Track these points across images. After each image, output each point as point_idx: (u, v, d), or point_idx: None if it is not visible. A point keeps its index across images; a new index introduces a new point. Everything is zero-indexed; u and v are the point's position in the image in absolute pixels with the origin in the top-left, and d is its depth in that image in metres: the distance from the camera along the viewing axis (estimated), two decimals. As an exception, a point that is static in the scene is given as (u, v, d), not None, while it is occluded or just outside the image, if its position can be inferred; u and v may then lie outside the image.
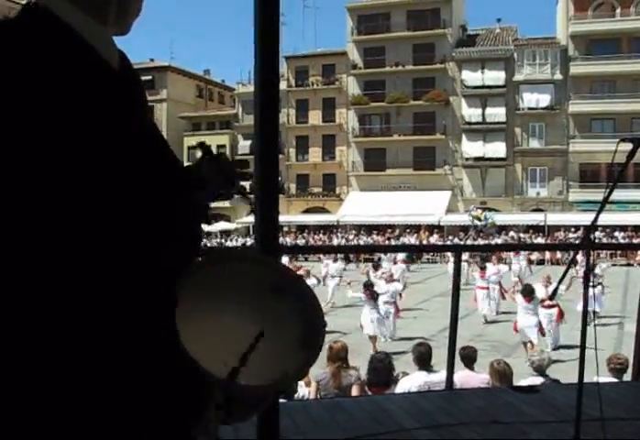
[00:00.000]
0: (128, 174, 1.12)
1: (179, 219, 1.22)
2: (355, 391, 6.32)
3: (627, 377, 5.98)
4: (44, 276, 1.03)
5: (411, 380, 6.41)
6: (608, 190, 2.84)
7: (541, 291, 13.63)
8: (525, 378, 7.25)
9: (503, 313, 18.09)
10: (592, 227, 3.04)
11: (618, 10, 46.00)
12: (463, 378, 6.48)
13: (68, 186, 1.03)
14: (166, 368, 1.14)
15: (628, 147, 2.86)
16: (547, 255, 35.35)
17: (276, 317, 1.20)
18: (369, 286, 14.71)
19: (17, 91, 1.01)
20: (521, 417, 3.96)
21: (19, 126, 1.00)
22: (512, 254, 27.04)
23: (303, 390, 6.62)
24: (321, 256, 23.65)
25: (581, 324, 3.42)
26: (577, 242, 35.65)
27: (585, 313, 3.32)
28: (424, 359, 6.71)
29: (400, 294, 16.84)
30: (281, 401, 4.13)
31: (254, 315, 1.19)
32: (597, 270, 16.73)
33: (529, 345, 12.87)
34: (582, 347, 3.29)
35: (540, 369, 7.18)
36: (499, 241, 38.35)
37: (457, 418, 3.99)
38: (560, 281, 3.37)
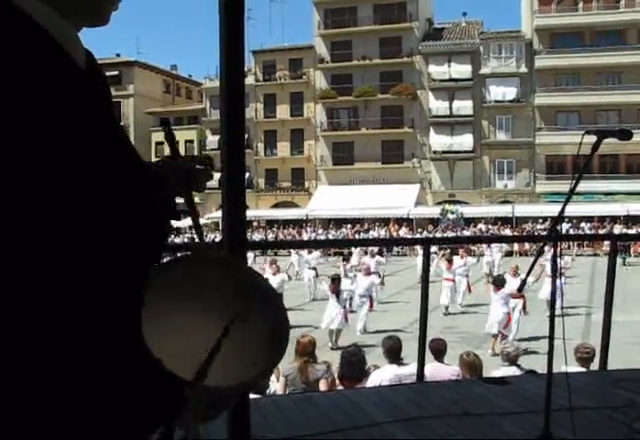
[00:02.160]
0: (93, 173, 1.10)
1: (143, 216, 1.20)
2: (323, 386, 6.31)
3: (594, 366, 6.06)
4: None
5: (381, 374, 6.42)
6: (574, 181, 2.85)
7: (510, 282, 13.79)
8: (497, 369, 7.31)
9: (472, 305, 18.27)
10: (559, 219, 3.06)
11: (580, 4, 46.57)
12: (433, 370, 6.51)
13: (29, 184, 1.01)
14: (132, 369, 1.13)
15: (593, 139, 2.88)
16: (516, 246, 35.75)
17: (241, 318, 1.19)
18: (335, 280, 14.69)
19: None
20: (492, 409, 3.98)
21: None
22: (485, 246, 27.35)
23: (273, 386, 6.61)
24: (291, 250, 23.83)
25: (549, 315, 3.44)
26: (544, 233, 36.12)
27: (553, 303, 3.34)
28: (394, 352, 6.73)
29: (381, 284, 17.00)
30: (252, 396, 4.10)
31: (219, 317, 1.18)
32: (562, 263, 17.03)
33: (499, 335, 12.98)
34: (551, 338, 3.31)
35: (509, 359, 7.24)
36: (467, 233, 38.75)
37: (429, 410, 4.00)
38: (528, 273, 3.39)
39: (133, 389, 1.14)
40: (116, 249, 1.12)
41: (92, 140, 1.11)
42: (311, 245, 20.88)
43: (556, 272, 3.13)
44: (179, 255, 1.28)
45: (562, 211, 2.93)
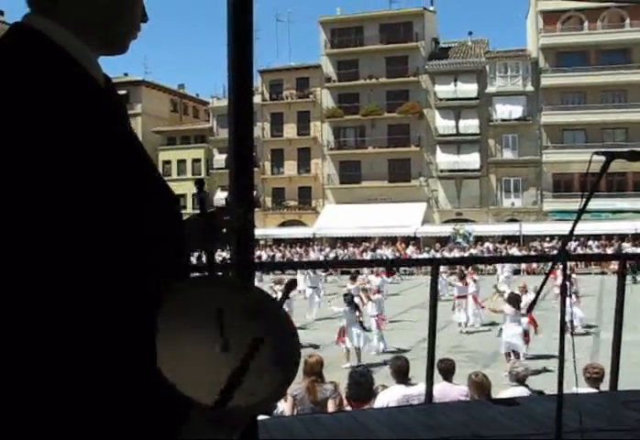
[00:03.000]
0: (115, 185, 1.13)
1: (165, 234, 1.21)
2: (331, 406, 6.27)
3: (604, 386, 6.00)
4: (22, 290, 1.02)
5: (389, 394, 6.38)
6: (583, 201, 2.84)
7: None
8: (505, 388, 7.25)
9: (482, 324, 18.17)
10: (568, 239, 3.04)
11: (586, 23, 46.77)
12: (442, 390, 6.46)
13: (57, 196, 1.04)
14: (144, 391, 1.13)
15: (602, 158, 2.87)
16: (523, 265, 35.60)
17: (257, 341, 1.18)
18: (349, 298, 14.73)
19: (11, 109, 1.04)
20: (501, 431, 3.93)
21: (10, 139, 1.02)
22: (498, 265, 27.31)
23: (281, 406, 6.56)
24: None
25: (559, 335, 3.41)
26: (553, 252, 35.97)
27: (562, 323, 3.30)
28: (401, 373, 6.69)
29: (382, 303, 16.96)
30: (259, 417, 4.07)
31: (233, 341, 1.18)
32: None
33: (512, 355, 12.87)
34: (561, 359, 3.27)
35: (518, 379, 7.18)
36: (474, 252, 38.66)
37: (437, 433, 3.96)
38: (538, 293, 3.36)
39: (140, 410, 1.13)
40: (136, 263, 1.14)
41: (113, 154, 1.15)
42: (319, 265, 20.84)
43: (565, 292, 3.11)
44: (191, 277, 1.28)
45: (572, 231, 2.92)
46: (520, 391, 6.59)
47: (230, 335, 1.18)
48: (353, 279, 19.86)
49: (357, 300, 16.18)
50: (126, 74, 59.69)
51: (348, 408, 6.07)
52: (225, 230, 1.46)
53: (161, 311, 1.13)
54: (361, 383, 6.03)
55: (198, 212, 1.46)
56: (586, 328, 16.26)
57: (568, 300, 3.30)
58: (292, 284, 1.35)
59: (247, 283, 1.43)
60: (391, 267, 20.02)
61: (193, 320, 1.18)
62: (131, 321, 1.12)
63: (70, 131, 1.07)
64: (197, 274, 1.44)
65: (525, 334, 13.29)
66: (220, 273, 1.46)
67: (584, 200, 2.79)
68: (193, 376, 1.11)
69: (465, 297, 18.05)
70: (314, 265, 21.48)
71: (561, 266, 3.17)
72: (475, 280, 19.06)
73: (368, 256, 39.57)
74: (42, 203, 1.03)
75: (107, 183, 1.10)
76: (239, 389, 1.10)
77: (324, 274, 25.03)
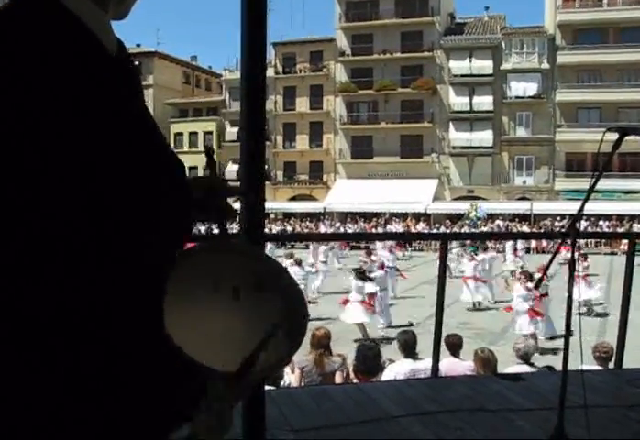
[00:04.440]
0: (123, 161, 1.11)
1: (169, 207, 1.21)
2: (338, 378, 6.35)
3: (612, 365, 6.04)
4: (29, 265, 1.01)
5: (396, 368, 6.44)
6: (594, 179, 2.85)
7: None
8: (511, 365, 7.30)
9: (491, 302, 18.23)
10: (578, 216, 3.05)
11: (605, 0, 46.04)
12: (448, 365, 6.52)
13: (65, 172, 1.03)
14: (155, 361, 1.14)
15: (614, 136, 2.87)
16: (533, 243, 35.55)
17: (260, 308, 1.20)
18: (361, 273, 14.79)
19: (16, 77, 1.00)
20: (506, 404, 3.98)
21: (17, 112, 0.99)
22: (508, 244, 27.26)
23: (288, 378, 6.64)
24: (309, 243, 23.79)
25: (566, 313, 3.44)
26: (562, 231, 35.85)
27: (570, 301, 3.33)
28: (409, 347, 6.75)
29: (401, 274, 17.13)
30: (266, 388, 4.13)
31: (239, 308, 1.19)
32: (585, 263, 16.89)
33: (522, 333, 12.90)
34: (567, 335, 3.30)
35: (524, 357, 7.22)
36: (485, 229, 38.60)
37: (443, 405, 4.01)
38: (545, 271, 3.38)
39: (154, 382, 1.15)
40: (142, 239, 1.13)
41: (122, 127, 1.13)
42: (328, 238, 20.87)
43: (573, 270, 3.13)
44: (200, 243, 1.29)
45: (581, 209, 2.93)
46: (524, 369, 6.63)
47: (242, 298, 1.20)
48: (369, 254, 19.92)
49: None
50: (138, 45, 59.39)
51: (355, 381, 6.14)
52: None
53: (171, 276, 1.14)
54: (369, 357, 6.09)
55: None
56: (596, 307, 16.28)
57: (580, 280, 3.32)
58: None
59: (259, 251, 1.44)
60: (400, 241, 19.97)
61: (203, 285, 1.19)
62: (141, 287, 1.12)
63: (69, 100, 1.04)
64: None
65: (537, 313, 13.29)
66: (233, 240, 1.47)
67: (596, 176, 2.79)
68: (206, 343, 1.12)
69: (473, 277, 18.07)
70: (324, 237, 21.50)
71: (570, 243, 3.19)
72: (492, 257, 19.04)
73: (378, 231, 39.61)
74: (46, 173, 1.01)
75: (112, 154, 1.08)
76: (245, 353, 1.12)
77: (337, 249, 25.11)
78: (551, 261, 3.24)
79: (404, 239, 21.98)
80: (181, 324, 1.11)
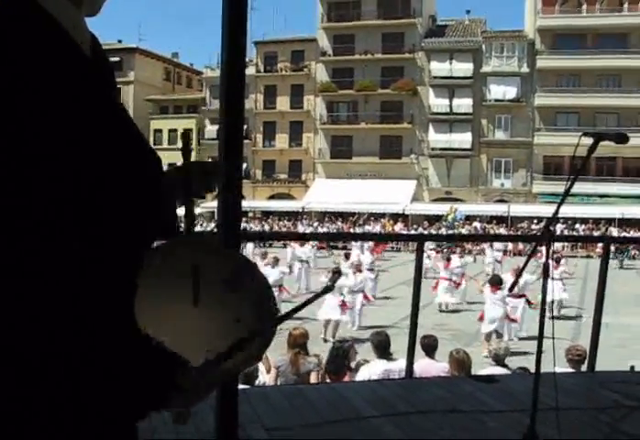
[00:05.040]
0: (95, 158, 1.10)
1: (144, 202, 1.21)
2: (314, 378, 6.34)
3: (585, 368, 6.08)
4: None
5: (371, 368, 6.45)
6: (569, 182, 2.87)
7: (510, 282, 13.83)
8: (485, 367, 7.34)
9: (466, 303, 18.32)
10: (553, 219, 3.07)
11: (584, 6, 46.55)
12: (423, 366, 6.54)
13: (39, 169, 1.02)
14: (123, 354, 1.13)
15: (590, 141, 2.90)
16: (510, 246, 35.79)
17: (231, 306, 1.20)
18: (335, 273, 14.75)
19: None
20: (479, 406, 4.00)
21: None
22: (486, 245, 27.41)
23: (264, 377, 6.62)
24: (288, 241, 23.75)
25: (539, 315, 3.46)
26: (538, 233, 36.17)
27: (544, 303, 3.36)
28: (382, 348, 6.77)
29: (376, 278, 17.22)
30: (240, 387, 4.12)
31: (210, 304, 1.19)
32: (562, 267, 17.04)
33: (494, 335, 12.97)
34: (540, 337, 3.32)
35: (497, 359, 7.27)
36: (463, 231, 38.84)
37: (416, 406, 4.02)
38: (520, 273, 3.40)
39: (124, 373, 1.14)
40: (116, 234, 1.13)
41: (95, 124, 1.12)
42: (306, 238, 20.87)
43: (547, 273, 3.15)
44: (172, 239, 1.29)
45: (556, 212, 2.94)
46: (499, 372, 6.67)
47: (205, 293, 1.20)
48: (347, 256, 19.98)
49: (344, 276, 16.30)
50: (119, 41, 59.01)
51: (329, 381, 6.14)
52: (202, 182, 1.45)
53: (141, 271, 1.14)
54: (339, 357, 6.10)
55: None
56: (565, 309, 16.44)
57: (550, 281, 3.34)
58: (338, 272, 1.37)
59: (231, 248, 1.44)
60: (377, 241, 20.01)
61: (172, 280, 1.19)
62: (112, 280, 1.12)
63: (40, 99, 1.02)
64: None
65: (508, 316, 13.39)
66: (200, 233, 1.46)
67: (571, 179, 2.82)
68: (178, 336, 1.12)
69: (449, 279, 18.15)
70: (300, 237, 21.49)
71: (545, 246, 3.21)
72: (462, 263, 19.16)
73: (355, 231, 39.70)
74: (15, 172, 1.00)
75: (83, 151, 1.07)
76: (212, 346, 1.13)
77: (314, 248, 25.10)
78: (525, 264, 3.26)
79: (381, 240, 21.97)
80: (151, 317, 1.11)
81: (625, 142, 2.62)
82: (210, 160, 1.49)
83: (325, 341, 13.08)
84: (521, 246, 35.22)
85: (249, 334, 1.15)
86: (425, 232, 38.53)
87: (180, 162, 1.48)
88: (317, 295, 1.18)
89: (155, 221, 1.27)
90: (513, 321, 13.64)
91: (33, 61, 1.04)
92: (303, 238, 21.13)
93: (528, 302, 14.00)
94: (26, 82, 1.02)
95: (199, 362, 1.12)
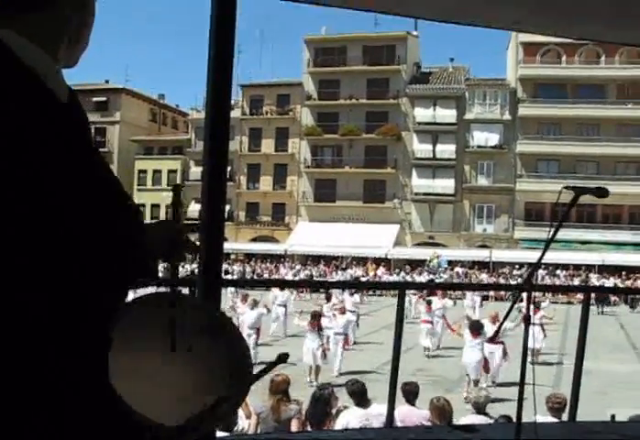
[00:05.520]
0: (68, 205, 1.11)
1: (115, 253, 1.20)
2: (294, 426, 6.24)
3: (565, 416, 6.04)
4: None
5: (349, 415, 6.36)
6: (552, 232, 2.89)
7: (488, 328, 13.78)
8: (465, 415, 7.27)
9: (445, 348, 18.21)
10: (534, 270, 3.09)
11: (564, 57, 47.70)
12: (404, 413, 6.48)
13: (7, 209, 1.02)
14: (96, 414, 1.12)
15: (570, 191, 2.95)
16: (492, 291, 35.83)
17: (206, 360, 1.20)
18: (316, 316, 14.66)
19: None
20: (459, 456, 3.95)
21: None
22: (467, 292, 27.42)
23: (244, 423, 6.51)
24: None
25: (521, 364, 3.44)
26: (519, 281, 36.26)
27: (525, 352, 3.34)
28: (359, 395, 6.70)
29: (357, 324, 17.06)
30: (219, 434, 4.04)
31: (185, 359, 1.18)
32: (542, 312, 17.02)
33: (472, 382, 12.89)
34: (521, 387, 3.30)
35: (478, 407, 7.20)
36: (445, 276, 38.89)
37: (396, 456, 3.96)
38: (503, 321, 3.40)
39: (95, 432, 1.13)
40: (83, 288, 1.12)
41: (70, 172, 1.13)
42: (287, 284, 20.80)
43: (529, 322, 3.15)
44: (144, 295, 1.28)
45: (538, 262, 2.97)
46: (479, 420, 6.61)
47: (180, 347, 1.19)
48: (328, 298, 19.89)
49: (326, 319, 16.22)
50: (107, 81, 59.43)
51: (309, 428, 6.05)
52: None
53: (115, 327, 1.13)
54: (320, 403, 6.02)
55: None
56: (545, 355, 16.38)
57: (531, 329, 3.34)
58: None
59: (206, 302, 1.44)
60: (358, 288, 19.94)
61: (145, 337, 1.18)
62: (84, 333, 1.11)
63: (10, 144, 1.05)
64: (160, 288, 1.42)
65: (485, 362, 13.30)
66: (179, 289, 1.46)
67: (552, 231, 2.84)
68: (148, 394, 1.11)
69: (430, 322, 18.09)
70: (282, 284, 21.42)
71: (526, 295, 3.22)
72: (443, 305, 19.13)
73: (338, 275, 39.60)
74: None
75: (52, 196, 1.08)
76: (185, 403, 1.12)
77: (294, 292, 24.97)
78: (507, 314, 3.26)
79: (362, 287, 21.87)
80: (124, 374, 1.10)
81: (606, 196, 2.67)
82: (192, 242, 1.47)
83: (312, 386, 12.86)
84: (502, 291, 35.28)
85: (219, 399, 1.14)
86: (408, 277, 38.49)
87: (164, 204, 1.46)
88: (273, 364, 1.17)
89: (125, 267, 1.25)
90: (487, 371, 13.52)
91: (6, 109, 1.05)
92: (283, 285, 21.05)
93: (505, 352, 13.91)
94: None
95: (172, 420, 1.10)
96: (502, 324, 3.45)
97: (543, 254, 2.84)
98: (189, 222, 1.48)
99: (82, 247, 1.12)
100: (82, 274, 1.11)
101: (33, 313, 1.05)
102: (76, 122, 1.26)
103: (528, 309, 3.15)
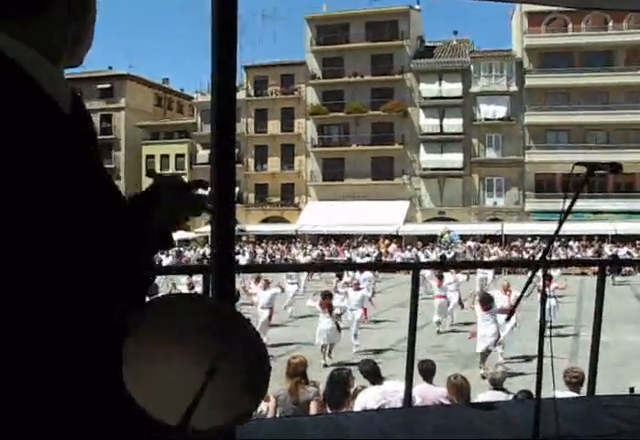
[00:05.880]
0: (71, 215, 1.10)
1: (118, 257, 1.18)
2: (313, 408, 6.26)
3: (584, 389, 6.03)
4: None
5: (367, 395, 6.37)
6: (563, 215, 2.85)
7: (500, 299, 13.78)
8: (483, 391, 7.27)
9: (461, 323, 18.21)
10: (549, 247, 3.05)
11: (570, 25, 47.06)
12: (421, 391, 6.47)
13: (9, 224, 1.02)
14: (111, 417, 1.11)
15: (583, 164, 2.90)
16: (504, 264, 35.76)
17: (223, 362, 1.18)
18: (326, 296, 14.67)
19: None
20: (479, 435, 3.94)
21: None
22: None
23: (262, 406, 6.54)
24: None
25: (538, 341, 3.41)
26: (533, 254, 36.22)
27: (542, 331, 3.31)
28: (372, 375, 6.71)
29: (370, 300, 17.14)
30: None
31: (202, 360, 1.17)
32: (555, 284, 16.96)
33: (487, 355, 12.88)
34: (539, 363, 3.27)
35: (495, 383, 7.19)
36: (458, 251, 38.83)
37: (415, 436, 3.96)
38: (518, 301, 3.37)
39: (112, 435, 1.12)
40: (90, 291, 1.12)
41: (72, 184, 1.12)
42: (299, 268, 20.84)
43: (545, 300, 3.12)
44: (162, 296, 1.26)
45: (552, 241, 2.92)
46: (497, 396, 6.60)
47: (203, 355, 1.17)
48: (339, 276, 19.92)
49: (340, 297, 16.28)
50: (110, 68, 59.27)
51: (328, 410, 6.07)
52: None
53: (131, 330, 1.13)
54: (338, 384, 6.03)
55: None
56: (562, 328, 16.36)
57: (549, 301, 3.30)
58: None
59: (223, 303, 1.42)
60: (372, 270, 19.97)
61: (166, 339, 1.17)
62: (85, 333, 1.11)
63: (13, 155, 1.03)
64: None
65: (498, 335, 13.28)
66: (193, 291, 1.43)
67: (565, 211, 2.80)
68: (162, 396, 1.10)
69: (444, 296, 18.10)
70: (293, 268, 21.45)
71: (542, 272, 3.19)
72: (455, 280, 19.13)
73: (350, 253, 39.61)
74: None
75: (56, 206, 1.08)
76: (206, 410, 1.11)
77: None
78: (522, 294, 3.23)
79: (375, 269, 21.92)
80: (138, 375, 1.10)
81: (619, 172, 2.61)
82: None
83: (326, 366, 12.91)
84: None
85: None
86: (420, 253, 38.44)
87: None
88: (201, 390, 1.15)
89: (129, 273, 1.23)
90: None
91: (8, 121, 1.04)
92: (296, 269, 21.09)
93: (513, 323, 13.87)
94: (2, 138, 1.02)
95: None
96: (516, 304, 3.41)
97: (557, 232, 2.80)
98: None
99: (83, 248, 1.11)
100: (82, 274, 1.10)
101: (33, 314, 1.04)
102: (78, 131, 1.23)
103: (544, 287, 3.11)
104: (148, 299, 1.27)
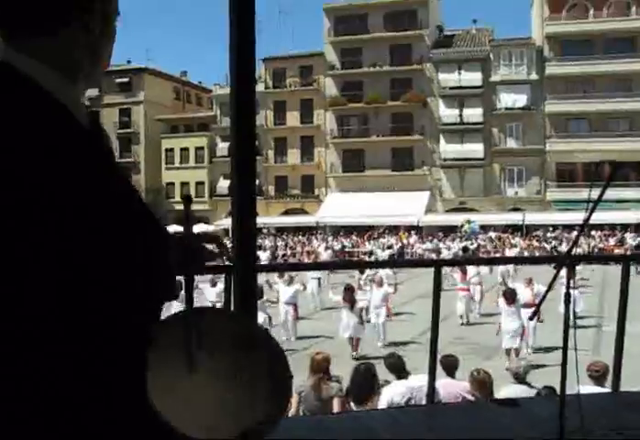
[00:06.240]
0: (95, 229, 1.10)
1: (146, 270, 1.19)
2: (336, 404, 6.26)
3: (607, 383, 5.98)
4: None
5: (391, 390, 6.36)
6: (589, 212, 2.82)
7: (523, 293, 13.71)
8: (506, 385, 7.23)
9: (483, 315, 18.16)
10: (575, 244, 3.02)
11: (591, 12, 46.47)
12: (444, 386, 6.45)
13: (41, 248, 1.03)
14: (136, 428, 1.12)
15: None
16: (525, 254, 35.56)
17: (246, 373, 1.19)
18: (348, 289, 14.67)
19: None
20: (503, 433, 3.92)
21: None
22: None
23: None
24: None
25: (563, 337, 3.38)
26: (557, 247, 35.93)
27: (566, 329, 3.29)
28: (397, 369, 6.70)
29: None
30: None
31: (225, 371, 1.17)
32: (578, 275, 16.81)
33: (512, 351, 12.82)
34: (564, 359, 3.24)
35: (518, 377, 7.16)
36: (480, 242, 38.59)
37: (439, 434, 3.95)
38: (543, 299, 3.34)
39: None
40: (118, 309, 1.12)
41: (96, 197, 1.12)
42: (320, 266, 20.92)
43: (569, 298, 3.09)
44: (181, 311, 1.27)
45: (577, 238, 2.90)
46: (521, 390, 6.58)
47: (214, 361, 1.17)
48: (361, 271, 19.90)
49: (362, 291, 16.28)
50: (129, 61, 59.49)
51: (352, 404, 6.07)
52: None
53: (151, 343, 1.14)
54: (364, 380, 6.03)
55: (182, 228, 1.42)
56: (585, 319, 16.23)
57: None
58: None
59: (245, 315, 1.42)
60: (392, 268, 19.86)
61: (180, 354, 1.18)
62: (120, 352, 1.12)
63: (43, 176, 1.04)
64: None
65: (523, 330, 13.21)
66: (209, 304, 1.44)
67: (589, 211, 2.77)
68: (186, 408, 1.11)
69: (467, 289, 18.06)
70: (313, 267, 21.46)
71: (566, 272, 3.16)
72: (478, 272, 19.05)
73: (371, 245, 39.54)
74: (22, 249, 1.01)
75: (85, 226, 1.08)
76: (228, 421, 1.14)
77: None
78: (547, 292, 3.20)
79: (395, 266, 21.81)
80: (163, 390, 1.10)
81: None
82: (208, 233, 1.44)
83: (355, 359, 12.86)
84: (536, 253, 35.00)
85: (259, 423, 1.15)
86: (440, 244, 38.29)
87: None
88: None
89: (154, 288, 1.24)
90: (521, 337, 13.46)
91: (33, 138, 1.05)
92: (316, 268, 21.10)
93: (538, 317, 13.78)
94: (29, 157, 1.03)
95: (217, 435, 1.11)
96: (540, 302, 3.38)
97: (582, 229, 2.77)
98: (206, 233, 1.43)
99: (108, 269, 1.11)
100: (108, 296, 1.10)
101: (59, 333, 1.05)
102: (98, 146, 1.24)
103: (568, 284, 3.08)
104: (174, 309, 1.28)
